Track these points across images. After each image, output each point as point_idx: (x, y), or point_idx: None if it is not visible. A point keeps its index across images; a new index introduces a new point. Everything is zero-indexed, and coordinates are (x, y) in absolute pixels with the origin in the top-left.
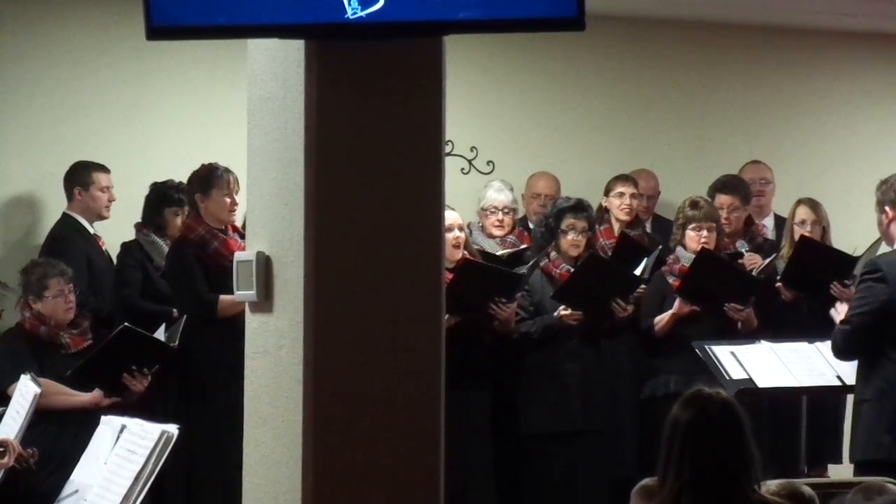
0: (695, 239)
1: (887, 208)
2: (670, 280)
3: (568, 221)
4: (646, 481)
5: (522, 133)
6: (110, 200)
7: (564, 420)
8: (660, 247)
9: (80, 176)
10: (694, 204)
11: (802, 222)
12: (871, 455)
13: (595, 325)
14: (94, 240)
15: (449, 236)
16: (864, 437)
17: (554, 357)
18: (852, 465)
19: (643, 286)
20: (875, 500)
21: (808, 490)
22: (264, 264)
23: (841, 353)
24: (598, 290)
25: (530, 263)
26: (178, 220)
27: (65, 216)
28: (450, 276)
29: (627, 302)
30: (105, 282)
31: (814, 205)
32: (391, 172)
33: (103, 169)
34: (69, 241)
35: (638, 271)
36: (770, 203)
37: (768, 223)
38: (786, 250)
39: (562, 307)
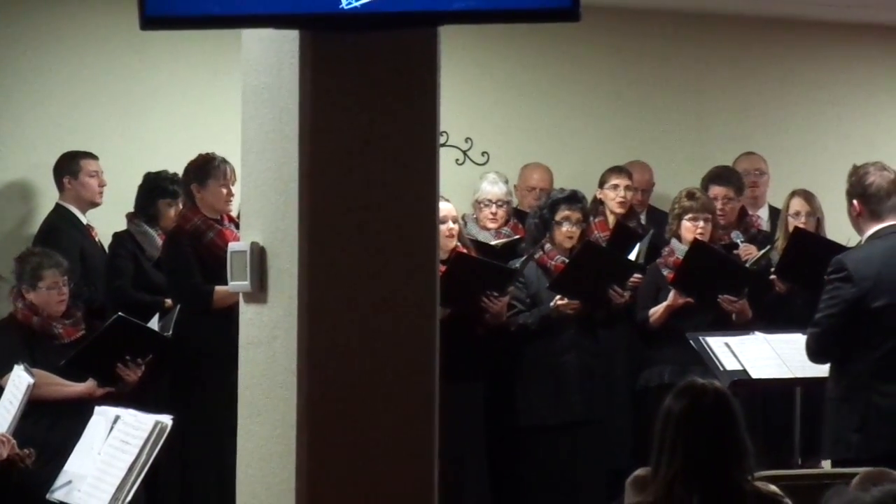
0: (691, 230)
1: (855, 202)
2: (665, 272)
3: (563, 213)
4: (639, 472)
5: (517, 124)
6: (101, 185)
7: (563, 411)
8: (652, 231)
9: (68, 165)
10: (690, 195)
11: (797, 214)
12: (840, 454)
13: (591, 313)
14: (86, 230)
15: (442, 227)
16: (833, 437)
17: (551, 348)
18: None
19: (638, 274)
20: (871, 490)
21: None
22: (258, 255)
23: (815, 355)
24: (595, 278)
25: (525, 257)
26: (171, 212)
27: (58, 206)
28: (442, 268)
29: (624, 288)
30: (98, 273)
31: (808, 196)
32: (386, 163)
33: (90, 156)
34: (62, 231)
35: (632, 256)
36: (764, 194)
37: (763, 214)
38: (780, 242)
39: (558, 296)
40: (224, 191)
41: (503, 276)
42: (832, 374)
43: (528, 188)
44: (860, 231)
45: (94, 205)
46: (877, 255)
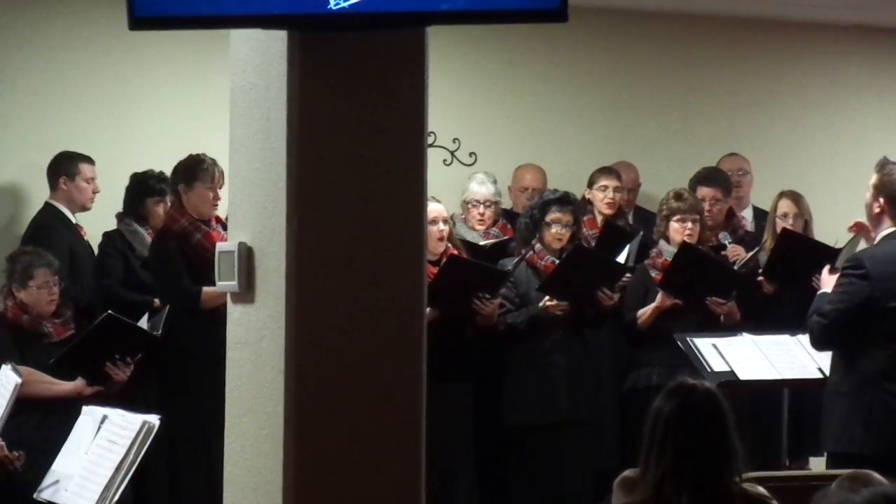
0: (679, 231)
1: (882, 199)
2: (653, 274)
3: (553, 215)
4: (627, 473)
5: (505, 124)
6: (94, 192)
7: (550, 412)
8: (641, 233)
9: (66, 166)
10: (678, 196)
11: (785, 215)
12: (844, 448)
13: (580, 314)
14: (76, 229)
15: (433, 229)
16: (838, 430)
17: (539, 349)
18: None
19: (628, 275)
20: (861, 492)
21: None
22: (246, 255)
23: (819, 344)
24: (584, 280)
25: (517, 258)
26: (160, 210)
27: (47, 205)
28: (434, 270)
29: (613, 290)
30: (86, 271)
31: (796, 197)
32: (374, 163)
33: (88, 160)
34: (51, 229)
35: (622, 258)
36: (748, 194)
37: (747, 215)
38: (768, 243)
39: (546, 297)
40: (210, 194)
41: (495, 278)
42: (839, 368)
43: (521, 188)
44: (874, 225)
45: (85, 209)
46: (894, 255)
